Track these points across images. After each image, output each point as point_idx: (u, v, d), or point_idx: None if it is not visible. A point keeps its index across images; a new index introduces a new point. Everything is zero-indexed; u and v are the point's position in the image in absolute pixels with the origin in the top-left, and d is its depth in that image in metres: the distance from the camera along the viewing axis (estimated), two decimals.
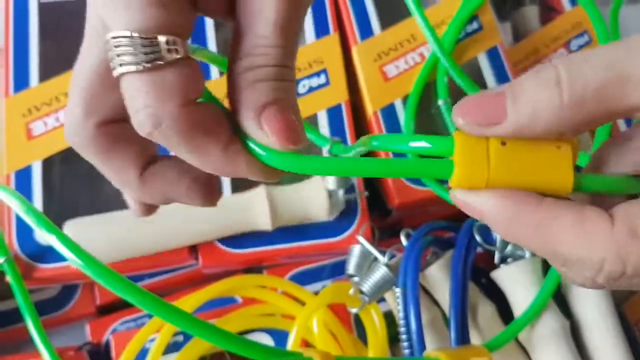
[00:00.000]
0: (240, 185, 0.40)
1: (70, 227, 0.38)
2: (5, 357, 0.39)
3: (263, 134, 0.19)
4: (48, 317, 0.43)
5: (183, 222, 0.38)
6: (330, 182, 0.39)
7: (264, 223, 0.38)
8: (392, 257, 0.37)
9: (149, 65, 0.18)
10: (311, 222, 0.40)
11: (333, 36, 0.45)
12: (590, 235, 0.18)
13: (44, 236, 0.24)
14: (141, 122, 0.19)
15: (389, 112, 0.42)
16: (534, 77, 0.19)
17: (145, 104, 0.18)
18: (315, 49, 0.44)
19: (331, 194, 0.39)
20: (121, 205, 0.45)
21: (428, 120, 0.44)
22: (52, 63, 0.43)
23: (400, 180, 0.40)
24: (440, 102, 0.43)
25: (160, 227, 0.38)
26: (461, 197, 0.20)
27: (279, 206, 0.38)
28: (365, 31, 0.45)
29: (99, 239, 0.38)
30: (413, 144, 0.20)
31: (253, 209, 0.38)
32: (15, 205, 0.27)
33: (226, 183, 0.41)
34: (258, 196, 0.39)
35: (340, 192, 0.39)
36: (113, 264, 0.38)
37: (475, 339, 0.36)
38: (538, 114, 0.19)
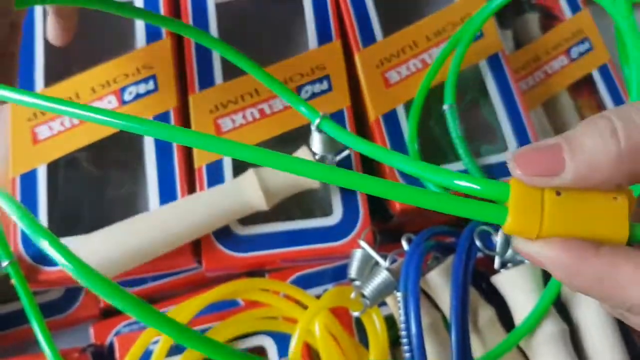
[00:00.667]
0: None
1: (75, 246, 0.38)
2: (10, 358, 0.39)
3: None
4: (52, 319, 0.44)
5: (181, 219, 0.38)
6: (317, 148, 0.38)
7: (259, 203, 0.38)
8: (393, 261, 0.37)
9: None
10: (306, 191, 0.40)
11: (335, 43, 0.45)
12: None
13: (35, 240, 0.25)
14: None
15: (391, 118, 0.43)
16: (589, 127, 0.20)
17: None
18: (318, 55, 0.44)
19: (322, 160, 0.39)
20: (125, 208, 0.45)
21: (426, 129, 0.44)
22: (57, 68, 0.44)
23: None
24: (445, 107, 0.43)
25: (160, 229, 0.38)
26: (521, 247, 0.21)
27: (269, 182, 0.38)
28: (368, 38, 0.45)
29: (103, 253, 0.38)
30: (459, 182, 0.21)
31: (245, 190, 0.38)
32: (6, 207, 0.27)
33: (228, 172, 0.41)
34: (247, 177, 0.38)
35: (330, 157, 0.39)
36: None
37: (475, 343, 0.37)
38: (596, 165, 0.19)
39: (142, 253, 0.38)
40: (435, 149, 0.45)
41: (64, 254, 0.24)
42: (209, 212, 0.38)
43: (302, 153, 0.39)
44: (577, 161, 0.19)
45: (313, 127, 0.36)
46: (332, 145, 0.39)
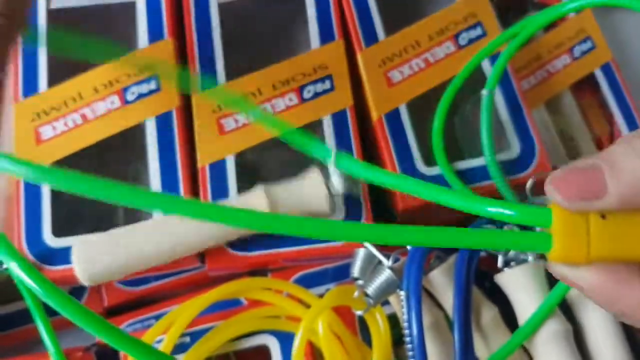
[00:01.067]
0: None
1: (80, 248, 0.38)
2: (13, 358, 0.39)
3: None
4: (56, 318, 0.44)
5: (187, 231, 0.38)
6: (337, 185, 0.38)
7: None
8: (396, 260, 0.37)
9: None
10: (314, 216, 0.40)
11: (338, 42, 0.45)
12: None
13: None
14: None
15: (394, 117, 0.43)
16: (628, 146, 0.19)
17: None
18: (320, 54, 0.44)
19: (329, 189, 0.38)
20: (128, 208, 0.45)
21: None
22: (60, 68, 0.44)
23: None
24: (484, 92, 0.42)
25: (167, 238, 0.38)
26: (561, 272, 0.20)
27: (278, 203, 0.38)
28: (370, 37, 0.45)
29: (111, 257, 0.37)
30: (491, 209, 0.20)
31: (252, 208, 0.38)
32: None
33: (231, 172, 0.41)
34: (256, 195, 0.38)
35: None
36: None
37: (478, 342, 0.37)
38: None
39: (146, 260, 0.38)
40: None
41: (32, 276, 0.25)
42: (217, 226, 0.38)
43: (313, 177, 0.39)
44: (619, 183, 0.19)
45: (330, 167, 0.35)
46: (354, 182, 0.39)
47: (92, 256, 0.37)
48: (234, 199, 0.40)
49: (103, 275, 0.37)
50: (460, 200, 0.22)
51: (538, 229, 0.22)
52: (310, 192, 0.38)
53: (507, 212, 0.20)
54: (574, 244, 0.19)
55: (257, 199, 0.38)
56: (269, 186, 0.38)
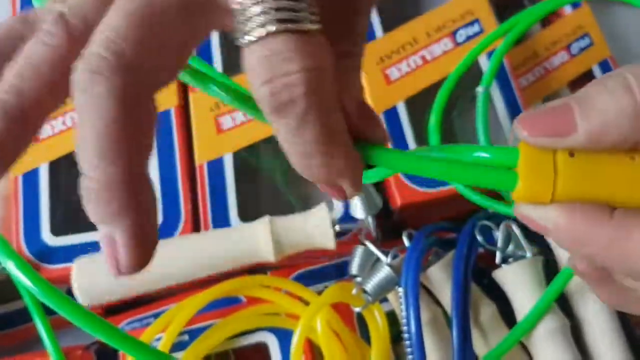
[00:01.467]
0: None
1: (79, 270, 0.38)
2: (13, 357, 0.39)
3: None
4: (56, 317, 0.44)
5: (188, 259, 0.38)
6: (359, 210, 0.37)
7: (267, 254, 0.38)
8: (394, 257, 0.37)
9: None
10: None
11: None
12: None
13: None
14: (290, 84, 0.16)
15: (392, 115, 0.43)
16: (601, 85, 0.18)
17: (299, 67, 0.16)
18: None
19: (334, 225, 0.38)
20: None
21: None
22: None
23: (403, 182, 0.41)
24: (480, 89, 0.42)
25: (167, 267, 0.38)
26: (525, 212, 0.19)
27: (281, 236, 0.38)
28: (368, 35, 0.45)
29: (110, 280, 0.38)
30: (478, 154, 0.19)
31: (256, 239, 0.38)
32: None
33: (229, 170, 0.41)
34: (261, 226, 0.38)
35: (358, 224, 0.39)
36: None
37: (476, 338, 0.37)
38: (610, 123, 0.18)
39: (146, 285, 0.38)
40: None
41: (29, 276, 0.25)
42: (219, 256, 0.38)
43: (320, 212, 0.39)
44: (589, 121, 0.18)
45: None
46: (371, 204, 0.38)
47: (92, 279, 0.37)
48: (239, 228, 0.39)
49: (102, 297, 0.38)
50: (439, 151, 0.21)
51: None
52: (315, 228, 0.38)
53: (482, 154, 0.19)
54: (539, 182, 0.18)
55: (261, 233, 0.38)
56: (274, 219, 0.38)
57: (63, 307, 0.26)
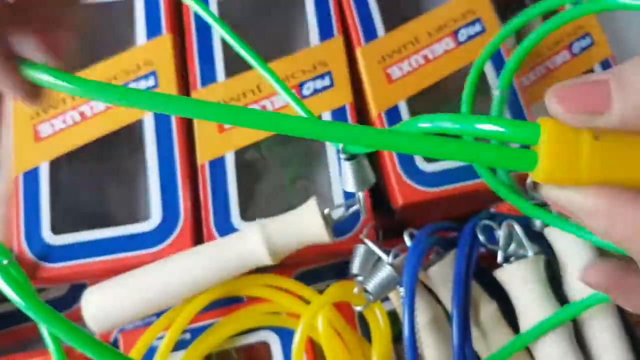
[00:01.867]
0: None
1: (89, 298, 0.38)
2: (14, 355, 0.39)
3: None
4: None
5: (187, 276, 0.38)
6: (350, 184, 0.37)
7: (263, 257, 0.37)
8: (396, 256, 0.37)
9: None
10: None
11: (337, 39, 0.45)
12: None
13: None
14: None
15: (393, 114, 0.43)
16: (639, 64, 0.17)
17: None
18: (320, 51, 0.44)
19: (326, 218, 0.37)
20: (127, 205, 0.45)
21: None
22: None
23: (404, 181, 0.41)
24: (496, 92, 0.41)
25: (167, 284, 0.38)
26: (549, 194, 0.18)
27: (273, 236, 0.37)
28: (369, 34, 0.45)
29: (119, 306, 0.38)
30: (480, 125, 0.18)
31: (248, 245, 0.37)
32: None
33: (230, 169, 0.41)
34: (250, 231, 0.38)
35: (341, 211, 0.38)
36: None
37: (477, 337, 0.37)
38: None
39: (156, 306, 0.38)
40: None
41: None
42: (218, 268, 0.38)
43: (310, 206, 0.38)
44: (625, 100, 0.17)
45: (341, 156, 0.31)
46: (364, 178, 0.37)
47: (101, 308, 0.37)
48: (232, 240, 0.39)
49: (114, 324, 0.37)
50: (450, 120, 0.19)
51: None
52: (307, 222, 0.37)
53: (497, 128, 0.18)
54: (564, 163, 0.17)
55: (252, 234, 0.37)
56: (265, 224, 0.37)
57: (50, 321, 0.26)
